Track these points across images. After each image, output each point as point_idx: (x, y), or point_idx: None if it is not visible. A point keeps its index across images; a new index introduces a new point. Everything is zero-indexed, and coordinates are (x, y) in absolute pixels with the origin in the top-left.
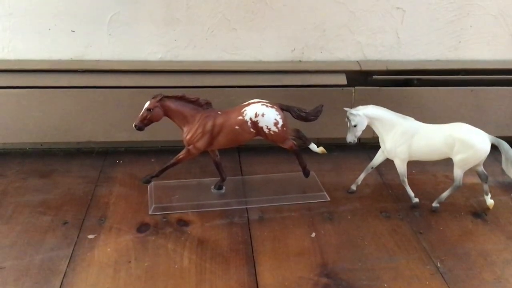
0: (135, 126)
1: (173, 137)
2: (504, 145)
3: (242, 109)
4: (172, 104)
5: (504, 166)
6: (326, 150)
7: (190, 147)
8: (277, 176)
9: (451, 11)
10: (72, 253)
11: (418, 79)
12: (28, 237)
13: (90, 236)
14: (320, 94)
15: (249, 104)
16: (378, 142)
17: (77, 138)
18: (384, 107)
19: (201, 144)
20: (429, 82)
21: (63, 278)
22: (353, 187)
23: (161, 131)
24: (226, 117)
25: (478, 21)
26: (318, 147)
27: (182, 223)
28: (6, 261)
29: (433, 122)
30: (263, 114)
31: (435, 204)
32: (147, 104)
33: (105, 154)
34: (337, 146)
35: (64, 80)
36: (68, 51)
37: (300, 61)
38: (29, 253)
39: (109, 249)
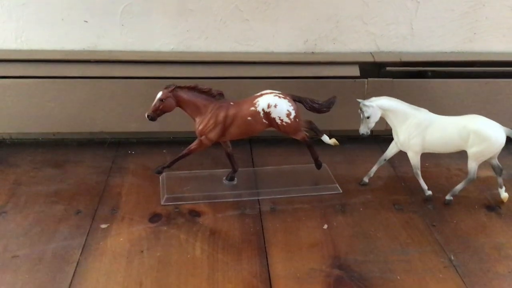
0: (148, 116)
1: (185, 128)
2: None
3: (254, 100)
4: (184, 95)
5: None
6: (338, 142)
7: (202, 137)
8: (289, 167)
9: (467, 2)
10: (85, 243)
11: (432, 71)
12: (41, 226)
13: (103, 226)
14: (332, 86)
15: (261, 95)
16: (391, 134)
17: (89, 129)
18: (398, 99)
19: (213, 135)
20: (443, 74)
21: (76, 267)
22: (366, 179)
23: (173, 122)
24: (239, 108)
25: (493, 12)
26: (330, 138)
27: (194, 213)
28: (20, 250)
29: (447, 114)
30: (276, 105)
31: (448, 197)
32: (159, 95)
33: (118, 145)
34: (349, 138)
35: (76, 70)
36: (81, 41)
37: (313, 52)
38: (43, 242)
39: (121, 239)
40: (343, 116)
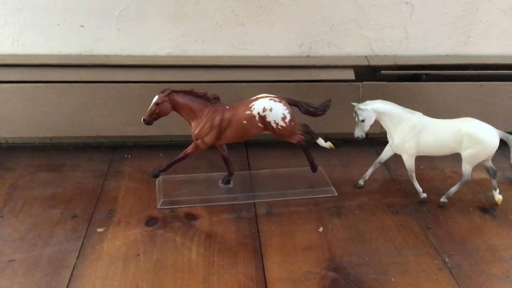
0: (144, 120)
1: (181, 131)
2: None
3: (250, 104)
4: (180, 99)
5: None
6: (333, 145)
7: (198, 141)
8: (285, 170)
9: (461, 6)
10: (81, 246)
11: (426, 74)
12: (38, 230)
13: (99, 230)
14: (328, 89)
15: (257, 98)
16: (386, 137)
17: (86, 133)
18: (392, 102)
19: (209, 138)
20: (438, 77)
21: (73, 270)
22: (361, 182)
23: (169, 126)
24: (234, 111)
25: (487, 16)
26: (325, 142)
27: (190, 217)
28: (16, 254)
29: (441, 117)
30: (271, 108)
31: (443, 199)
32: (155, 99)
33: (114, 149)
34: (344, 141)
35: (73, 75)
36: (77, 46)
37: (308, 56)
38: (39, 246)
39: (118, 243)
40: (338, 119)
